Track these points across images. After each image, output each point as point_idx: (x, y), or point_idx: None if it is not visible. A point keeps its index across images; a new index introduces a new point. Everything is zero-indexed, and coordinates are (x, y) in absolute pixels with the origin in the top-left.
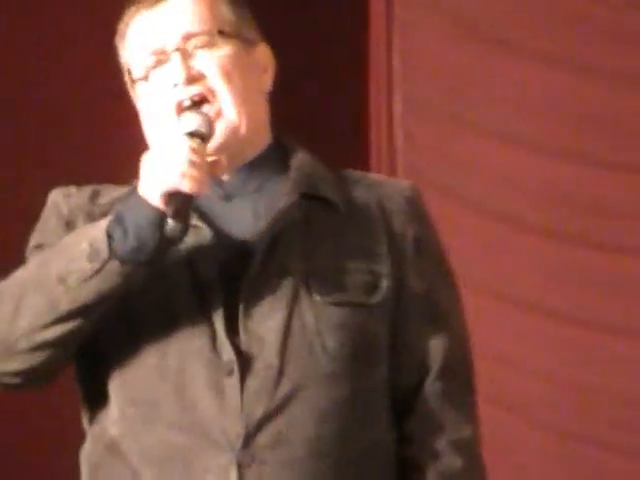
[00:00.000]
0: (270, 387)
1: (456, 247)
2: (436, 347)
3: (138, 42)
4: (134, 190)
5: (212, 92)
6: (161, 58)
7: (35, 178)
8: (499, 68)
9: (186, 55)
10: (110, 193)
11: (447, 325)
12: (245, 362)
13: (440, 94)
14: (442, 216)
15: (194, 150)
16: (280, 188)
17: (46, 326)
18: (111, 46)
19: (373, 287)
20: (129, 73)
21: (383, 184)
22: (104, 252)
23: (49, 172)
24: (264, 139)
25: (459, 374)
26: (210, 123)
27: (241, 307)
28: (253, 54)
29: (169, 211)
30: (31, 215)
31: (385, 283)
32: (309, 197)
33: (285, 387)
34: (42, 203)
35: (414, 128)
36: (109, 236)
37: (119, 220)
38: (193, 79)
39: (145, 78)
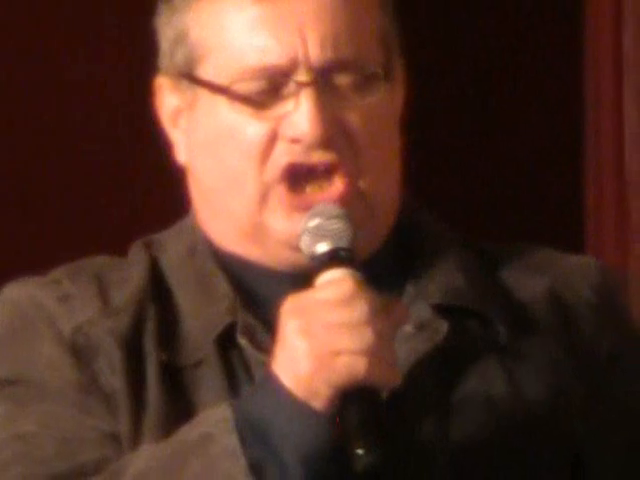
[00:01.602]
0: None
1: None
2: None
3: (240, 40)
4: (268, 379)
5: (346, 163)
6: (276, 83)
7: None
8: None
9: (328, 98)
10: (120, 282)
11: None
12: None
13: None
14: None
15: (363, 295)
16: (411, 307)
17: None
18: None
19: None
20: (189, 65)
21: (555, 265)
22: None
23: None
24: (393, 219)
25: None
26: (353, 227)
27: None
28: (395, 92)
29: (352, 426)
30: None
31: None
32: (449, 310)
33: None
34: None
35: None
36: (257, 473)
37: (267, 448)
38: (330, 142)
39: (228, 92)
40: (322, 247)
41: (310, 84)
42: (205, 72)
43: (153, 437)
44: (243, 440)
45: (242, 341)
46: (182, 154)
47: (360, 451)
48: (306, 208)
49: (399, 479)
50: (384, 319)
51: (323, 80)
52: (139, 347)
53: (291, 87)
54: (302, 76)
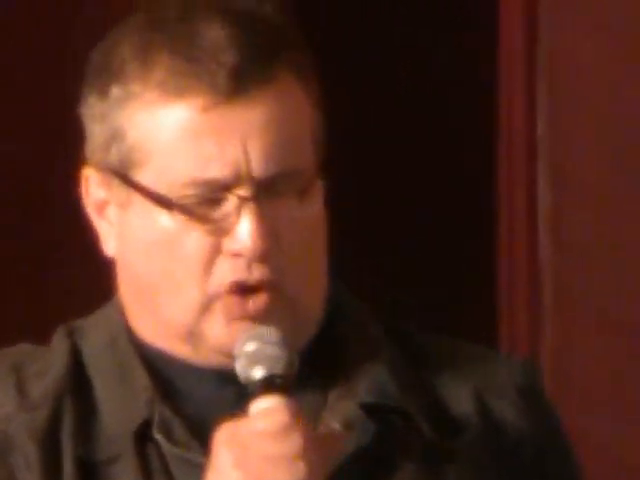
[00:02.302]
0: None
1: None
2: None
3: (183, 149)
4: None
5: (280, 274)
6: (217, 195)
7: None
8: None
9: (269, 210)
10: (39, 373)
11: None
12: None
13: None
14: None
15: (298, 427)
16: (338, 406)
17: None
18: None
19: None
20: (124, 166)
21: (481, 363)
22: None
23: None
24: (319, 321)
25: None
26: (291, 352)
27: None
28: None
29: None
30: None
31: None
32: (374, 409)
33: None
34: None
35: None
36: None
37: None
38: (268, 255)
39: (168, 203)
40: (258, 373)
41: (252, 199)
42: (143, 177)
43: None
44: None
45: (158, 436)
46: (110, 246)
47: None
48: (246, 317)
49: None
50: (318, 451)
51: (265, 192)
52: (56, 442)
53: (233, 201)
54: (245, 191)
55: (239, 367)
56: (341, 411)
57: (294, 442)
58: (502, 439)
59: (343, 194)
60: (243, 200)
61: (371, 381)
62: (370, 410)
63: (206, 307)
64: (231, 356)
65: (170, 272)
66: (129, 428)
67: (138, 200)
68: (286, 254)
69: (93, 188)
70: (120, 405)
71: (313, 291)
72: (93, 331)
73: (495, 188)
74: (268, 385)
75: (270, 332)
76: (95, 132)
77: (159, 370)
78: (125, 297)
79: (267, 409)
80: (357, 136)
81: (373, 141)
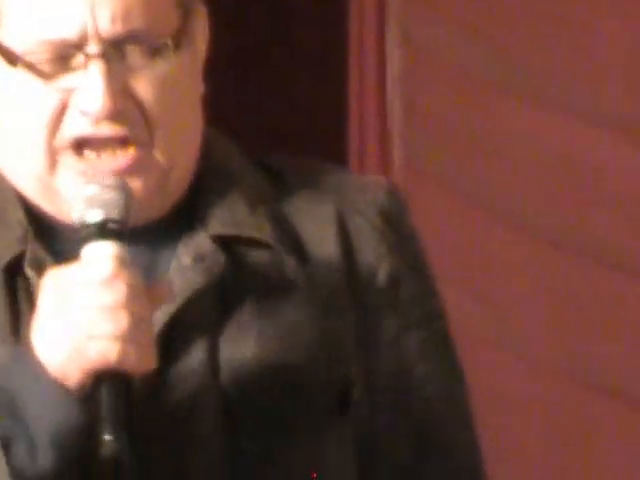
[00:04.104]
0: None
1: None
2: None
3: (35, 11)
4: (22, 355)
5: (138, 135)
6: (65, 54)
7: None
8: None
9: (118, 70)
10: None
11: (446, 443)
12: None
13: None
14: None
15: (123, 276)
16: (191, 240)
17: None
18: None
19: (330, 398)
20: None
21: (344, 187)
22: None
23: None
24: (186, 185)
25: None
26: (128, 198)
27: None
28: (194, 54)
29: (102, 412)
30: None
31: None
32: (228, 240)
33: None
34: None
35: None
36: (4, 449)
37: (18, 422)
38: (120, 114)
39: (19, 60)
40: (93, 216)
41: (99, 56)
42: None
43: None
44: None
45: (29, 272)
46: None
47: (107, 437)
48: (95, 175)
49: (171, 411)
50: (143, 301)
51: (113, 52)
52: None
53: (81, 59)
54: (92, 49)
55: (76, 212)
56: (193, 245)
57: (117, 292)
58: (359, 263)
59: None
60: (90, 58)
61: (225, 213)
62: (226, 243)
63: (54, 163)
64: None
65: (18, 129)
66: (0, 262)
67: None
68: (140, 113)
69: None
70: None
71: (178, 155)
72: None
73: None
74: (101, 228)
75: (110, 177)
76: None
77: (31, 209)
78: None
79: (94, 258)
80: None
81: None
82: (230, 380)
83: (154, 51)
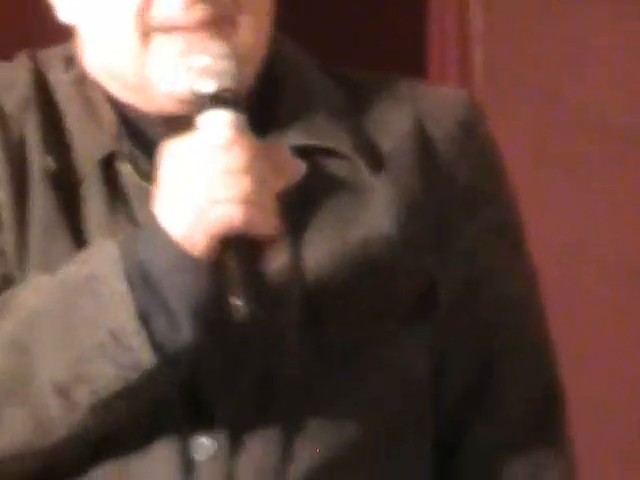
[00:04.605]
0: None
1: None
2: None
3: None
4: (152, 224)
5: (227, 15)
6: None
7: None
8: None
9: None
10: (9, 85)
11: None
12: None
13: None
14: None
15: (243, 141)
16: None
17: (18, 457)
18: None
19: (410, 295)
20: None
21: (422, 98)
22: (146, 355)
23: None
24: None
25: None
26: (237, 68)
27: None
28: None
29: (231, 277)
30: None
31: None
32: (307, 150)
33: None
34: None
35: None
36: (144, 321)
37: (155, 295)
38: None
39: None
40: (206, 86)
41: None
42: None
43: (39, 250)
44: (132, 285)
45: (125, 167)
46: (63, 11)
47: (238, 302)
48: (191, 51)
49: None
50: (265, 166)
51: None
52: (23, 155)
53: None
54: None
55: (186, 83)
56: None
57: (239, 156)
58: (437, 170)
59: None
60: None
61: (304, 123)
62: (305, 152)
63: (146, 44)
64: (183, 101)
65: (108, 18)
66: (97, 155)
67: None
68: None
69: None
70: (88, 135)
71: (259, 29)
72: (58, 65)
73: None
74: (217, 98)
75: (220, 47)
76: None
77: (124, 111)
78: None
79: (213, 124)
80: None
81: None
82: (314, 280)
83: None
